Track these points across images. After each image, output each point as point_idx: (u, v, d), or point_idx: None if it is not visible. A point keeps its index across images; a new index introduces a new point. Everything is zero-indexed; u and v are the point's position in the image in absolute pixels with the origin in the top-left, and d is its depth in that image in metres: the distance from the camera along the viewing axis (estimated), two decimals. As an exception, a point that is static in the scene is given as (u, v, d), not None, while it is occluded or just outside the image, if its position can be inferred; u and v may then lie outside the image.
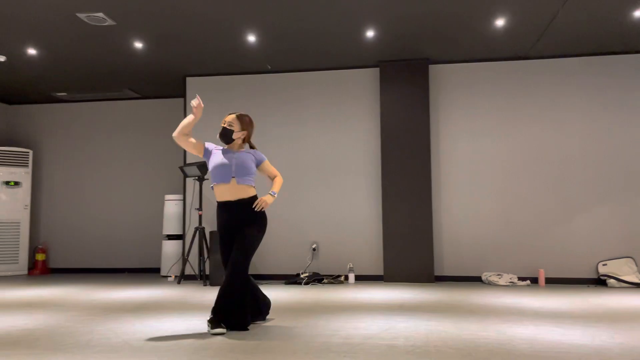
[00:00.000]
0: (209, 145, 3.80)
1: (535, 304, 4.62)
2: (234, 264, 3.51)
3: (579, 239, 6.26)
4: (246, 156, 3.74)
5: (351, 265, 6.51)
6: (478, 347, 3.01)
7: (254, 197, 3.71)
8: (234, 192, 3.66)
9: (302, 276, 6.36)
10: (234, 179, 3.64)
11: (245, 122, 3.80)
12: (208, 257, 6.32)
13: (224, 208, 3.69)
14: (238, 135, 3.78)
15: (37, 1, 4.81)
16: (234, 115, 3.79)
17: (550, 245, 6.31)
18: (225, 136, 3.76)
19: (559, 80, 6.47)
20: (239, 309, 3.50)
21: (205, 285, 6.18)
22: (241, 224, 3.63)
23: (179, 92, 7.92)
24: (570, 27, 5.58)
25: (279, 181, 3.84)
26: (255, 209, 3.64)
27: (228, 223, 3.67)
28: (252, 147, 3.90)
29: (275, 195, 3.77)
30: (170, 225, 7.38)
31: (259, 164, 3.83)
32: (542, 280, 6.14)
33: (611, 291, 5.53)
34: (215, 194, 3.72)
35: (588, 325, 3.64)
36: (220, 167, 3.67)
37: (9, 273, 7.77)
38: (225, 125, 3.76)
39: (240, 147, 3.83)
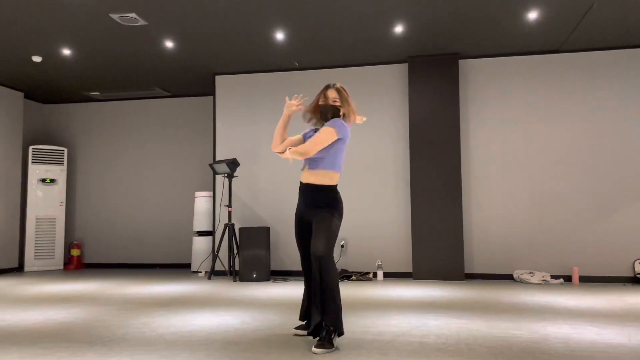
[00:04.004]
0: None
1: (570, 303, 4.53)
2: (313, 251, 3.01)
3: (614, 236, 6.10)
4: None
5: (380, 262, 6.49)
6: (511, 346, 2.97)
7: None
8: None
9: (330, 273, 6.36)
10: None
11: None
12: (237, 253, 6.39)
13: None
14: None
15: (71, 3, 4.92)
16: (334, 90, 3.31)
17: (585, 242, 6.17)
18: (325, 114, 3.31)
19: (593, 74, 6.31)
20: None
21: (235, 281, 6.24)
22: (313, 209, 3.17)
23: (209, 90, 8.01)
24: (605, 19, 5.43)
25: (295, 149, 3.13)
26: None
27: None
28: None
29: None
30: (201, 222, 7.48)
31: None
32: (576, 279, 6.01)
33: (648, 290, 5.39)
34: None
35: (624, 325, 3.55)
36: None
37: (45, 268, 8.01)
38: (328, 102, 3.31)
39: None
